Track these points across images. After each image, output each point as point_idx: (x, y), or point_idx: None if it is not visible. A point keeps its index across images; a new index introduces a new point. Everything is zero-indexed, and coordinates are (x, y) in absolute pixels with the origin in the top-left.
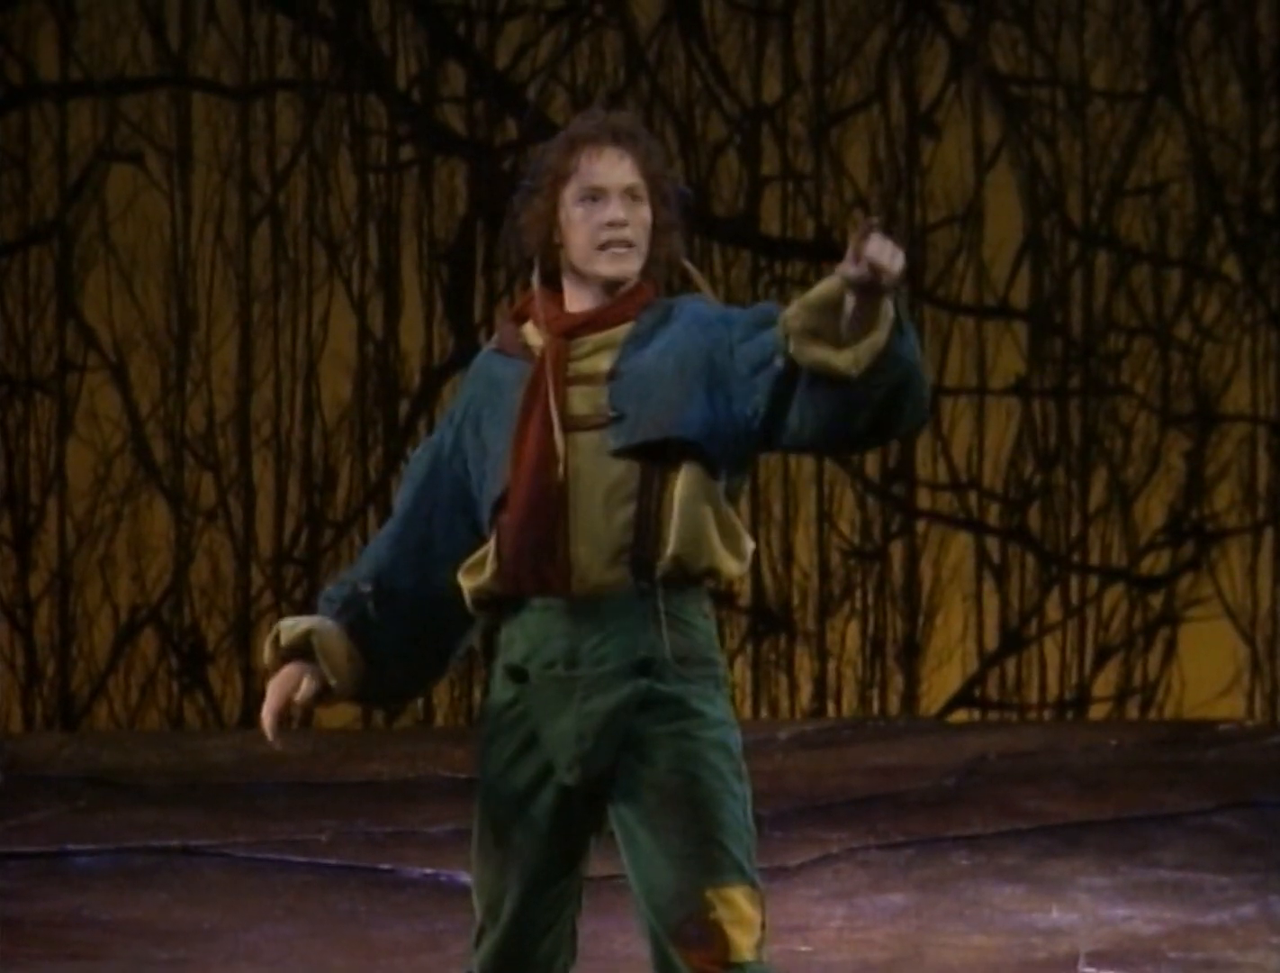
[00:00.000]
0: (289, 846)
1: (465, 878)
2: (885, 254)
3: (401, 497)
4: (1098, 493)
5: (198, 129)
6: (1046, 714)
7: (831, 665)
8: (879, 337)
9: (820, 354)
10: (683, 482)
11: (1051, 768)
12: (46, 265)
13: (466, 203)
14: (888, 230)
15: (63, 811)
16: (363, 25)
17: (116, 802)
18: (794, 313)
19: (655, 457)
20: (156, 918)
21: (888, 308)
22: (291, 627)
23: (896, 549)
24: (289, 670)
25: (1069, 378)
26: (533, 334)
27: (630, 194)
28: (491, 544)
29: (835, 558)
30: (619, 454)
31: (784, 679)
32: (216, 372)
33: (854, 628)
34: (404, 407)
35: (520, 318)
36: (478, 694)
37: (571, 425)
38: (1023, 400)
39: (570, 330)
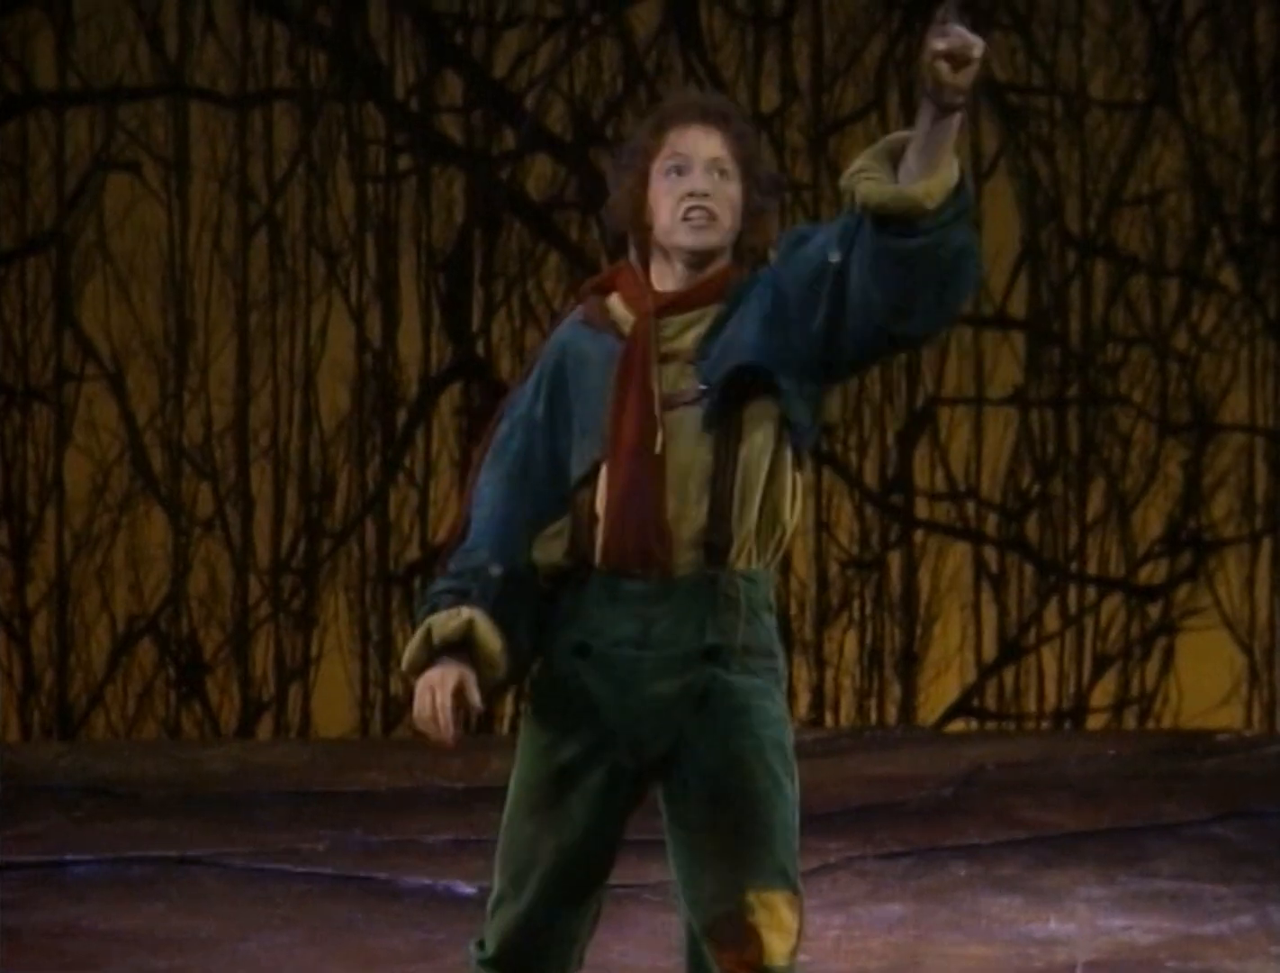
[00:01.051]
0: (286, 855)
1: (463, 888)
2: (971, 39)
3: (498, 471)
4: (1095, 503)
5: (195, 138)
6: (1044, 724)
7: (829, 675)
8: (949, 172)
9: (893, 188)
10: (754, 458)
11: (1049, 778)
12: (44, 275)
13: (464, 212)
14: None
15: (60, 820)
16: (360, 34)
17: (114, 812)
18: (859, 164)
19: (729, 431)
20: (154, 928)
21: (953, 155)
22: (446, 620)
23: (894, 559)
24: (449, 669)
25: (1067, 388)
26: (619, 308)
27: (716, 168)
28: (568, 518)
29: (833, 568)
30: (706, 415)
31: None
32: (214, 381)
33: (852, 638)
34: (402, 416)
35: (603, 290)
36: None
37: (667, 403)
38: (1020, 410)
39: (659, 309)
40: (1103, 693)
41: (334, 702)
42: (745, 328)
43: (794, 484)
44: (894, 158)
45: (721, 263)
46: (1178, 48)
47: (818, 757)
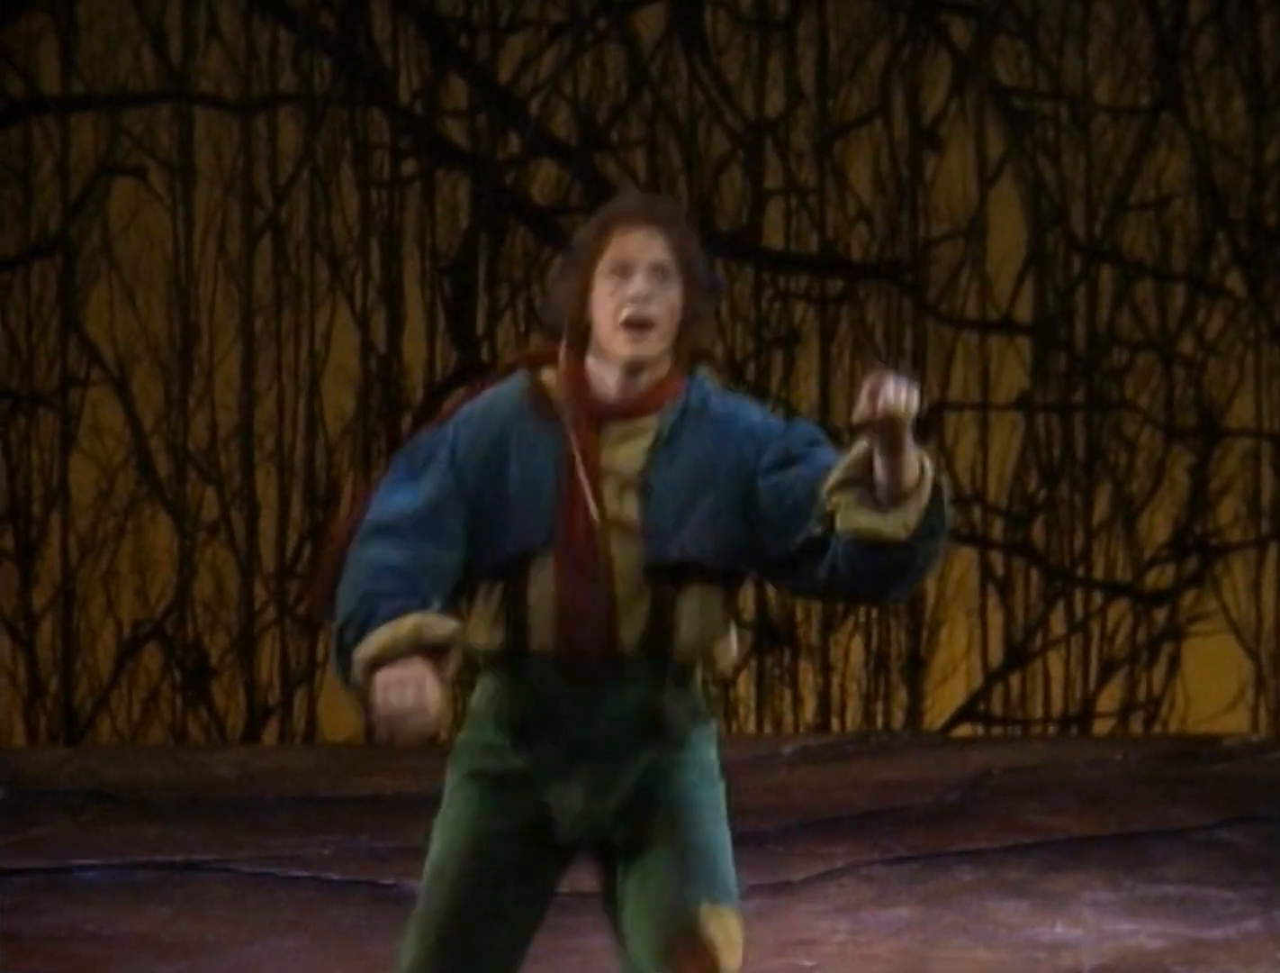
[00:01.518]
0: (292, 860)
1: None
2: (900, 400)
3: (427, 521)
4: (1101, 507)
5: (200, 143)
6: (1050, 729)
7: (835, 680)
8: (922, 497)
9: (867, 522)
10: (698, 591)
11: (1055, 783)
12: (49, 280)
13: (469, 216)
14: (894, 367)
15: (66, 825)
16: (364, 39)
17: (119, 817)
18: (834, 484)
19: (673, 571)
20: (159, 932)
21: (921, 462)
22: (439, 622)
23: None
24: (421, 666)
25: (1072, 392)
26: (556, 392)
27: (659, 272)
28: (496, 601)
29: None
30: (649, 567)
31: (788, 694)
32: (219, 386)
33: (858, 643)
34: (407, 420)
35: (534, 363)
36: None
37: (612, 521)
38: (1026, 415)
39: (598, 415)
40: (1109, 698)
41: (340, 706)
42: (699, 496)
43: (728, 616)
44: (869, 465)
45: (660, 369)
46: (1183, 53)
47: (824, 762)
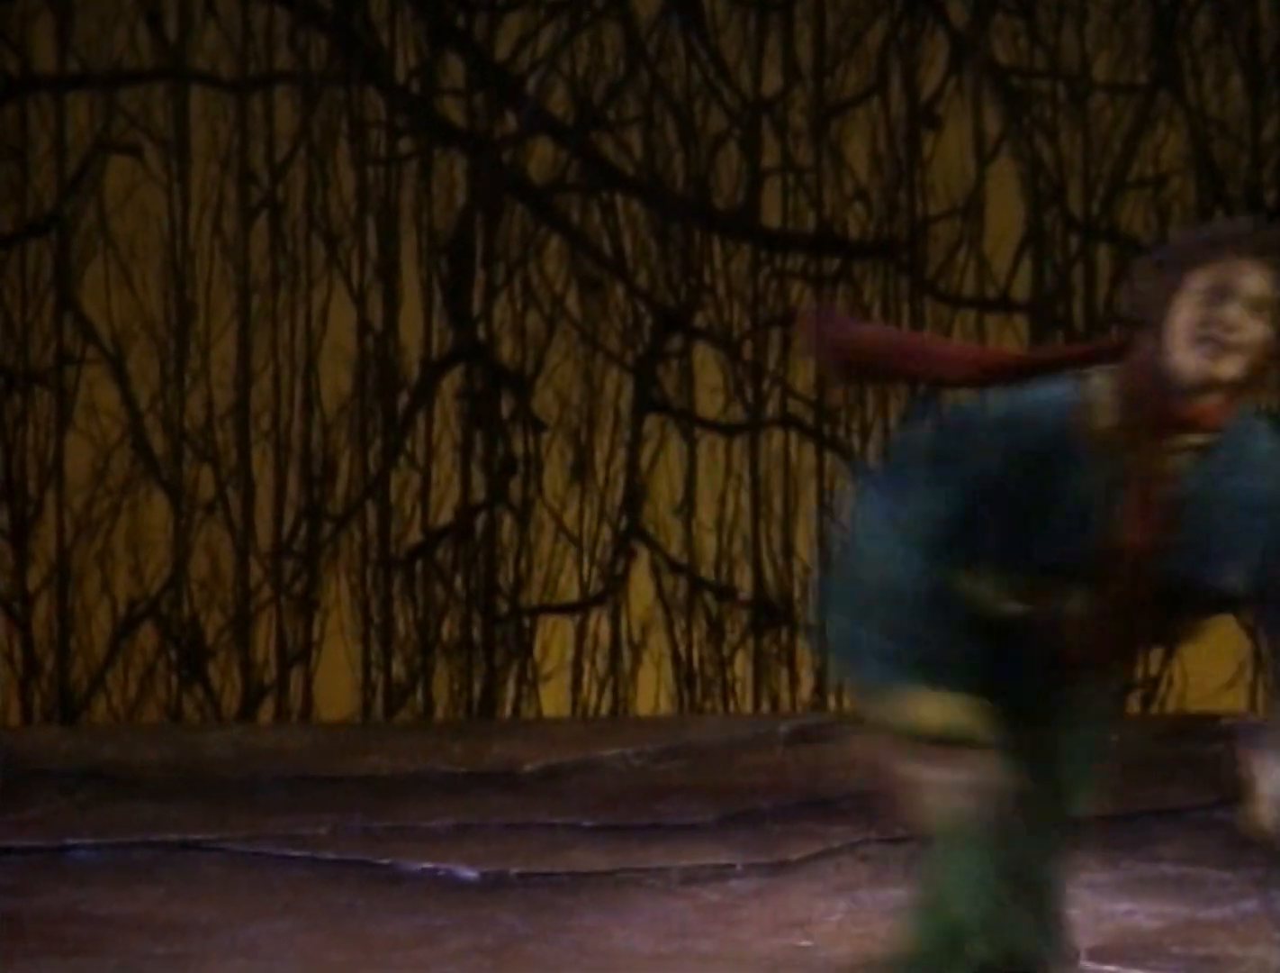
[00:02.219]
0: (287, 840)
1: (464, 873)
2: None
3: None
4: None
5: (196, 121)
6: None
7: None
8: None
9: None
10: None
11: None
12: (44, 258)
13: (466, 195)
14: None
15: (61, 805)
16: (361, 17)
17: (115, 796)
18: None
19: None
20: (154, 913)
21: None
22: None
23: None
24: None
25: None
26: (1111, 399)
27: (1254, 306)
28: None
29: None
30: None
31: (785, 673)
32: (215, 364)
33: None
34: (403, 399)
35: (1086, 358)
36: (477, 688)
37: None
38: None
39: (1160, 425)
40: None
41: (336, 685)
42: (1233, 528)
43: None
44: None
45: (1224, 395)
46: (1181, 30)
47: (821, 741)
